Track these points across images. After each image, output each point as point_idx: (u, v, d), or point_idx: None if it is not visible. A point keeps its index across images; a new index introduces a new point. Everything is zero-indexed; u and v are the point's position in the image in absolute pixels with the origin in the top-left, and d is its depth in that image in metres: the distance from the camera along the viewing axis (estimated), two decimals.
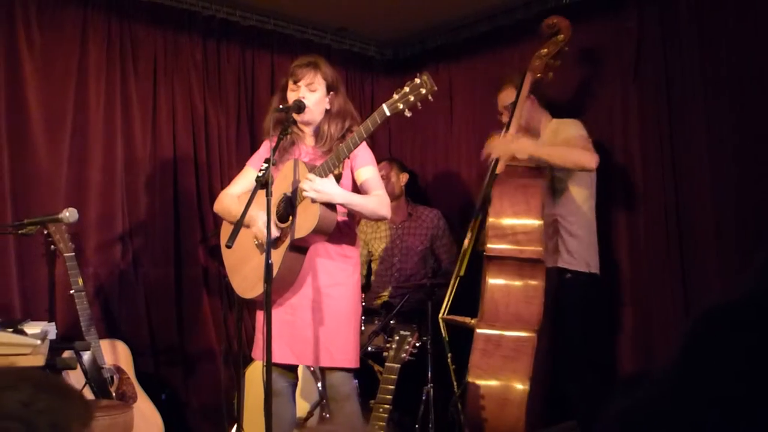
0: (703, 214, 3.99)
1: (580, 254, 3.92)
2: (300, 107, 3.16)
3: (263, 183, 2.82)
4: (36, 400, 1.14)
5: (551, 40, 3.88)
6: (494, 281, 3.46)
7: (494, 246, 3.48)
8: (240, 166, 3.60)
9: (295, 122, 3.27)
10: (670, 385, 0.97)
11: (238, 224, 2.81)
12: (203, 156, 4.82)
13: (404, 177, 5.02)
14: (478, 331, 3.42)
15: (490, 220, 3.50)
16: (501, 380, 3.35)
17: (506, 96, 4.16)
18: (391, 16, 5.19)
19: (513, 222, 3.48)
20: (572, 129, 3.92)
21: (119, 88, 4.49)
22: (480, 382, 3.37)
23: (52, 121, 4.22)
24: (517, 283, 3.45)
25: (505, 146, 3.81)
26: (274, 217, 3.13)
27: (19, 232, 3.47)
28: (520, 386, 3.33)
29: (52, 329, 3.04)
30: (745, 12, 3.86)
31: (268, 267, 2.75)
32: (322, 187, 2.99)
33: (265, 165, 2.84)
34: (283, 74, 5.02)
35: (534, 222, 3.48)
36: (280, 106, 3.19)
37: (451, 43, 5.49)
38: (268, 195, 2.80)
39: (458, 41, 5.43)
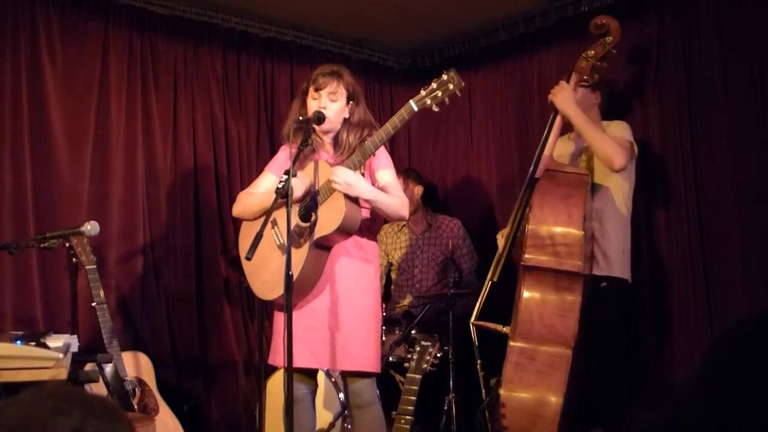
0: (725, 217, 3.95)
1: (616, 259, 3.83)
2: (320, 118, 3.17)
3: (284, 194, 2.83)
4: (86, 425, 1.12)
5: (599, 42, 3.73)
6: (530, 292, 3.38)
7: (532, 256, 3.39)
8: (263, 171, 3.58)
9: (314, 131, 3.28)
10: (693, 399, 0.97)
11: (258, 236, 2.80)
12: (224, 167, 4.84)
13: (419, 189, 4.99)
14: (512, 343, 3.35)
15: (530, 228, 3.42)
16: (534, 395, 3.29)
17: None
18: (410, 25, 5.19)
19: (553, 232, 3.39)
20: (618, 130, 3.87)
21: (140, 101, 4.52)
22: (513, 396, 3.32)
23: (73, 134, 4.25)
24: (554, 295, 3.36)
25: (569, 101, 3.74)
26: (296, 217, 3.14)
27: (42, 245, 3.49)
28: (553, 403, 3.26)
29: (74, 342, 3.07)
30: (766, 15, 3.83)
31: (289, 277, 2.75)
32: (353, 181, 3.02)
33: (285, 176, 2.85)
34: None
35: (575, 233, 3.38)
36: (300, 118, 3.19)
37: (469, 52, 5.48)
38: (289, 206, 2.80)
39: (477, 50, 5.42)
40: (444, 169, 5.66)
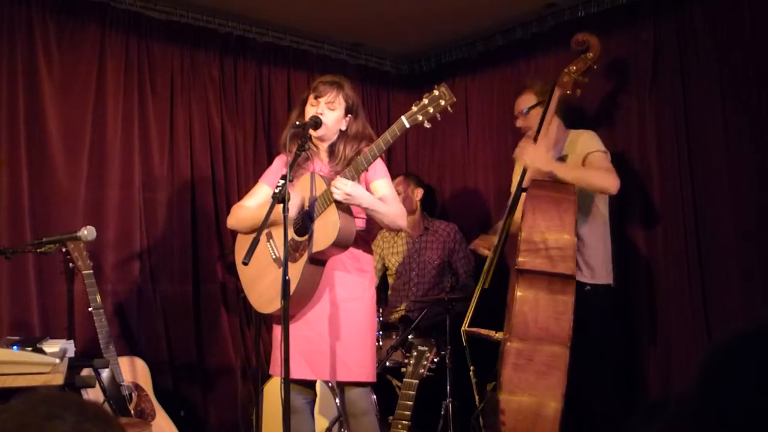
0: (722, 225, 3.96)
1: (599, 267, 3.87)
2: (317, 123, 3.17)
3: (280, 199, 2.82)
4: (80, 430, 1.12)
5: (580, 58, 3.79)
6: (524, 295, 3.39)
7: (526, 260, 3.41)
8: (257, 182, 3.59)
9: (310, 138, 3.28)
10: (689, 412, 0.96)
11: (255, 241, 2.80)
12: (220, 172, 4.84)
13: (419, 192, 5.02)
14: (509, 345, 3.35)
15: (523, 234, 3.43)
16: (534, 396, 3.29)
17: (524, 101, 4.13)
18: (407, 30, 5.20)
19: (546, 237, 3.41)
20: (590, 143, 3.88)
21: (137, 106, 4.52)
22: (513, 398, 3.31)
23: (70, 139, 4.25)
24: (548, 298, 3.38)
25: (537, 160, 3.72)
26: (291, 231, 3.13)
27: (38, 250, 3.48)
28: (554, 402, 3.26)
29: (70, 347, 3.04)
30: (762, 21, 3.84)
31: (286, 283, 2.75)
32: (352, 191, 3.01)
33: (282, 181, 2.84)
34: (299, 90, 5.08)
35: (568, 237, 3.40)
36: (297, 123, 3.20)
37: (466, 57, 5.49)
38: (285, 211, 2.80)
39: (474, 55, 5.43)
40: (441, 174, 5.67)
